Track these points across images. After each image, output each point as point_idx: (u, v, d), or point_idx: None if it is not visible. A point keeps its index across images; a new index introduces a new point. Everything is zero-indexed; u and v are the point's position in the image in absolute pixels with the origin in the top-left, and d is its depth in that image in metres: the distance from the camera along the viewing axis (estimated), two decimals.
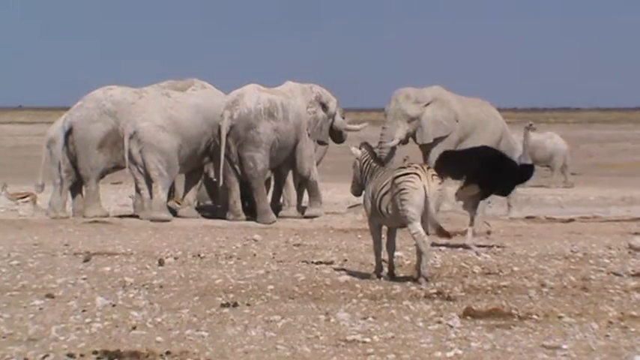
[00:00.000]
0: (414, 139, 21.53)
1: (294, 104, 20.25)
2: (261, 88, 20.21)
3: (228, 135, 19.47)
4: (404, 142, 21.48)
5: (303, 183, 20.65)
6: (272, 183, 21.24)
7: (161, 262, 13.46)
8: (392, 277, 12.21)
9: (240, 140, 19.58)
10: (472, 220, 15.42)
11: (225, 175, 19.59)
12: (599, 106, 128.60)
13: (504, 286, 11.75)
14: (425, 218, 11.72)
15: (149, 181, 19.57)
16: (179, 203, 20.49)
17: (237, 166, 19.67)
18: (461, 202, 15.56)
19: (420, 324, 9.63)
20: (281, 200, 20.76)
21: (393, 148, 21.14)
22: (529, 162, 15.74)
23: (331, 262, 13.60)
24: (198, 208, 20.80)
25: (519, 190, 24.26)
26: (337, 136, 21.36)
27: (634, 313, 10.18)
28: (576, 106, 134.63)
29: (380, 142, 21.04)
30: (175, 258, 14.04)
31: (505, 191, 15.97)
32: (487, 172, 15.11)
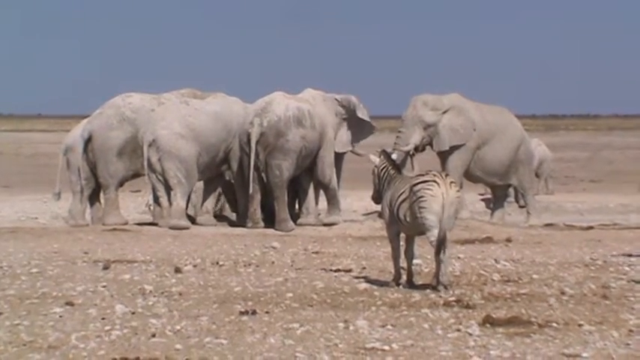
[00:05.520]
0: (431, 147, 21.52)
1: (319, 112, 20.31)
2: (287, 95, 20.26)
3: (257, 142, 19.49)
4: (420, 149, 21.44)
5: (323, 190, 20.65)
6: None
7: (178, 270, 13.48)
8: (411, 284, 12.19)
9: (269, 148, 19.60)
10: None
11: (245, 182, 19.60)
12: (618, 113, 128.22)
13: (524, 294, 11.72)
14: (443, 226, 11.70)
15: (168, 189, 19.62)
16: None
17: (263, 174, 19.69)
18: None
19: (439, 332, 9.62)
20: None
21: (407, 154, 21.09)
22: None
23: (350, 270, 13.60)
24: (217, 216, 20.84)
25: (538, 198, 24.22)
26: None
27: None
28: (595, 112, 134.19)
29: (394, 146, 21.05)
30: (194, 265, 14.06)
31: None
32: None
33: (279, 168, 19.60)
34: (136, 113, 20.38)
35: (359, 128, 20.87)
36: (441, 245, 11.64)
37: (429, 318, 10.27)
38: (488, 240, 17.50)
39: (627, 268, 13.88)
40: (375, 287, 12.14)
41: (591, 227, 20.55)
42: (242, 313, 10.43)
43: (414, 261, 12.57)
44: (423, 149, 21.57)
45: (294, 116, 19.74)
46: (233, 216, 21.02)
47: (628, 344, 9.14)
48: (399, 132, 21.47)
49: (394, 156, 12.81)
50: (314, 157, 20.20)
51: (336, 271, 13.53)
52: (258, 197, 19.74)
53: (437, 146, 21.35)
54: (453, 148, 21.28)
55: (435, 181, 11.75)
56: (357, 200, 24.98)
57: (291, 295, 11.60)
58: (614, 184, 35.15)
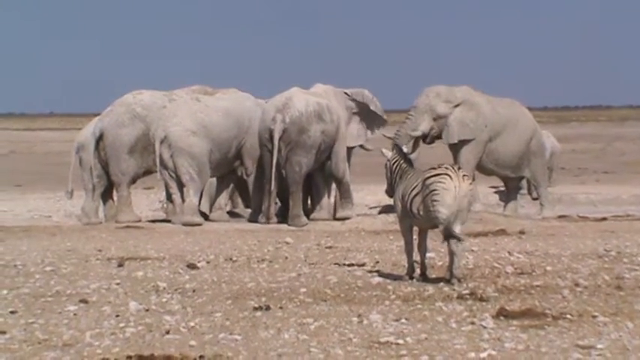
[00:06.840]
0: (440, 139, 21.49)
1: (335, 106, 20.32)
2: (304, 90, 20.26)
3: (280, 139, 19.45)
4: (428, 141, 21.37)
5: (337, 185, 20.64)
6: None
7: (191, 267, 13.50)
8: (424, 278, 12.19)
9: (291, 144, 19.53)
10: None
11: (267, 178, 19.47)
12: (631, 104, 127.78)
13: (538, 286, 11.70)
14: (457, 219, 11.68)
15: (180, 186, 19.64)
16: None
17: (282, 170, 19.63)
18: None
19: (453, 325, 9.61)
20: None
21: (412, 139, 20.98)
22: None
23: (363, 264, 13.60)
24: (230, 213, 20.85)
25: (551, 190, 24.18)
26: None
27: None
28: (608, 103, 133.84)
29: (399, 129, 21.02)
30: (208, 262, 14.08)
31: None
32: None
33: (299, 164, 19.55)
34: (147, 110, 20.40)
35: (370, 121, 20.89)
36: (448, 234, 11.56)
37: (443, 311, 10.27)
38: (502, 232, 17.48)
39: None
40: (388, 281, 12.14)
41: (605, 218, 20.50)
42: (256, 309, 10.44)
43: (427, 254, 12.57)
44: (432, 141, 21.52)
45: (315, 111, 19.73)
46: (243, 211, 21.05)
47: None
48: (408, 116, 21.38)
49: (405, 149, 12.79)
50: (329, 151, 20.18)
51: (349, 265, 13.53)
52: (274, 193, 19.71)
53: (446, 139, 21.34)
54: (464, 142, 21.26)
55: (447, 174, 11.73)
56: (369, 194, 24.98)
57: (304, 290, 11.60)
58: (627, 175, 35.05)
